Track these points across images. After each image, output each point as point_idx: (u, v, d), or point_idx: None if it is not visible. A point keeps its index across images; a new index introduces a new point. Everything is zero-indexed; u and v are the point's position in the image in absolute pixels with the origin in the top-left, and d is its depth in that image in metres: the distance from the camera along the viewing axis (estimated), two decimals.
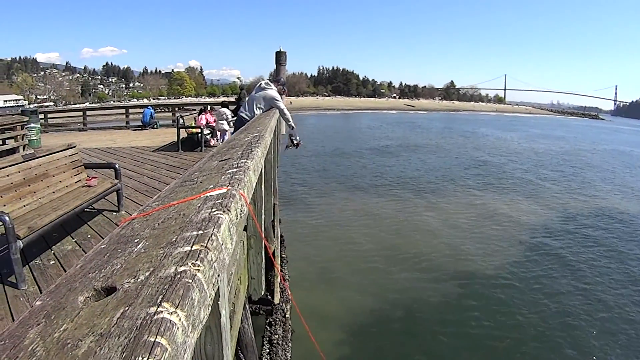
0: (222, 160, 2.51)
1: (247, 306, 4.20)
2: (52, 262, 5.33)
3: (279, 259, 7.58)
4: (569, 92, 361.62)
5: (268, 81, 9.82)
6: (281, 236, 11.33)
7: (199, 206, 1.45)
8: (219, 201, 1.46)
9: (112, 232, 1.46)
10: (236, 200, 1.51)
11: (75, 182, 6.94)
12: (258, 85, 9.91)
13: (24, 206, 5.66)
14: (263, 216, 4.53)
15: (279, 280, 7.24)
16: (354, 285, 11.23)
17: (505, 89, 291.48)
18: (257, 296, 4.29)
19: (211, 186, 1.71)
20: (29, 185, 5.95)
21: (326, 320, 9.42)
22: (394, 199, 19.97)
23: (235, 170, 2.00)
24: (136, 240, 1.25)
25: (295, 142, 10.67)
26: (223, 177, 1.88)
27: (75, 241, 6.00)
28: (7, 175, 5.61)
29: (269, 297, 7.75)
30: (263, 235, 3.75)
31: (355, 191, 21.37)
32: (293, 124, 10.14)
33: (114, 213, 7.27)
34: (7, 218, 4.56)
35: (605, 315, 10.37)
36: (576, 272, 12.56)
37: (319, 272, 11.72)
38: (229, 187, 1.63)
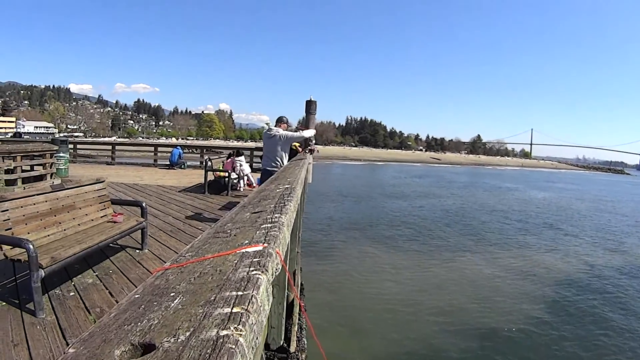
0: (254, 213, 2.50)
1: (263, 355, 4.15)
2: (71, 294, 5.33)
3: (298, 307, 7.51)
4: (594, 147, 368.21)
5: (270, 127, 10.17)
6: (301, 284, 11.25)
7: (236, 263, 1.44)
8: (257, 259, 1.45)
9: (146, 282, 1.45)
10: (273, 259, 1.50)
11: (101, 217, 7.00)
12: (265, 133, 10.21)
13: (48, 235, 5.72)
14: (287, 266, 4.51)
15: (296, 328, 7.17)
16: (375, 335, 11.03)
17: (531, 144, 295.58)
18: (275, 345, 4.24)
19: (246, 241, 1.70)
20: (55, 216, 6.02)
21: None
22: (415, 250, 19.73)
23: (269, 225, 2.00)
24: (172, 294, 1.24)
25: (311, 146, 11.15)
26: (258, 232, 1.88)
27: (96, 275, 6.01)
28: (34, 204, 5.70)
29: (286, 345, 7.66)
30: (295, 289, 3.72)
31: (377, 241, 21.12)
32: (311, 133, 10.78)
33: (137, 251, 7.28)
34: (31, 246, 4.61)
35: None
36: (602, 328, 12.34)
37: (338, 322, 11.51)
38: (266, 245, 1.62)
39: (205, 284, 1.29)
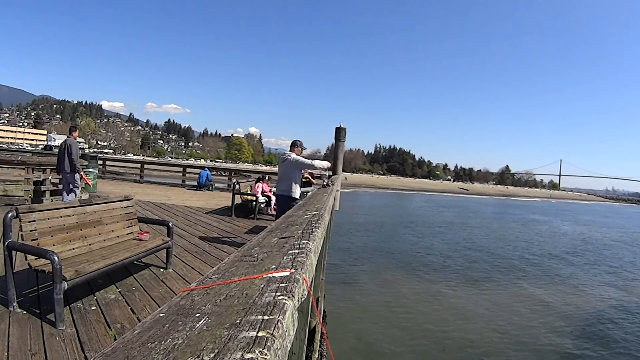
0: (282, 238, 2.49)
1: None
2: (93, 308, 5.35)
3: (320, 334, 7.43)
4: (624, 178, 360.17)
5: (285, 151, 10.14)
6: (324, 311, 11.16)
7: (263, 287, 1.42)
8: (284, 285, 1.43)
9: (171, 301, 1.44)
10: (299, 285, 1.49)
11: (127, 234, 7.05)
12: (280, 157, 10.18)
13: (74, 249, 5.77)
14: (312, 292, 4.47)
15: (316, 355, 7.11)
16: None
17: (560, 175, 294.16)
18: None
19: (273, 266, 1.69)
20: (81, 230, 6.07)
21: None
22: (440, 280, 19.54)
23: (297, 251, 1.98)
24: (197, 315, 1.23)
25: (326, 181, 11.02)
26: (285, 257, 1.86)
27: (119, 291, 6.03)
28: (61, 217, 5.75)
29: None
30: (319, 315, 3.68)
31: (402, 269, 20.94)
32: (326, 166, 10.38)
33: (161, 270, 7.31)
34: (56, 258, 4.64)
35: None
36: None
37: (360, 350, 11.34)
38: (293, 271, 1.60)
39: (231, 306, 1.27)
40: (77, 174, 13.02)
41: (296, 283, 1.48)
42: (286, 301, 1.28)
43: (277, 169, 10.73)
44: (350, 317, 13.38)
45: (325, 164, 10.60)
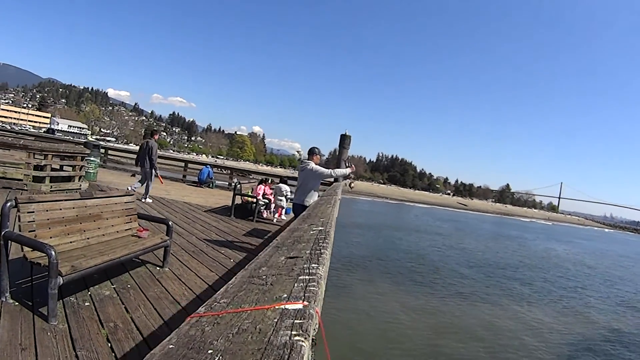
0: (290, 258, 2.44)
1: None
2: (87, 304, 5.27)
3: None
4: (623, 206, 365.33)
5: (302, 159, 9.96)
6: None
7: (276, 322, 1.37)
8: (298, 322, 1.38)
9: (180, 329, 1.38)
10: (313, 321, 1.43)
11: (126, 230, 6.97)
12: (299, 165, 10.02)
13: (71, 242, 5.71)
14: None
15: None
16: None
17: (559, 197, 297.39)
18: None
19: (285, 295, 1.64)
20: (80, 223, 6.00)
21: None
22: (436, 292, 19.66)
23: (307, 278, 1.93)
24: (210, 352, 1.17)
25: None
26: (296, 284, 1.81)
27: (114, 288, 5.96)
28: (61, 209, 5.67)
29: None
30: (326, 342, 3.62)
31: (399, 282, 20.95)
32: (346, 172, 10.27)
33: (158, 268, 7.23)
34: (52, 252, 4.57)
35: None
36: None
37: None
38: (306, 304, 1.55)
39: (245, 344, 1.22)
40: (155, 171, 15.83)
41: (310, 319, 1.43)
42: (303, 343, 1.23)
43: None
44: (345, 325, 13.32)
45: (347, 171, 10.49)
